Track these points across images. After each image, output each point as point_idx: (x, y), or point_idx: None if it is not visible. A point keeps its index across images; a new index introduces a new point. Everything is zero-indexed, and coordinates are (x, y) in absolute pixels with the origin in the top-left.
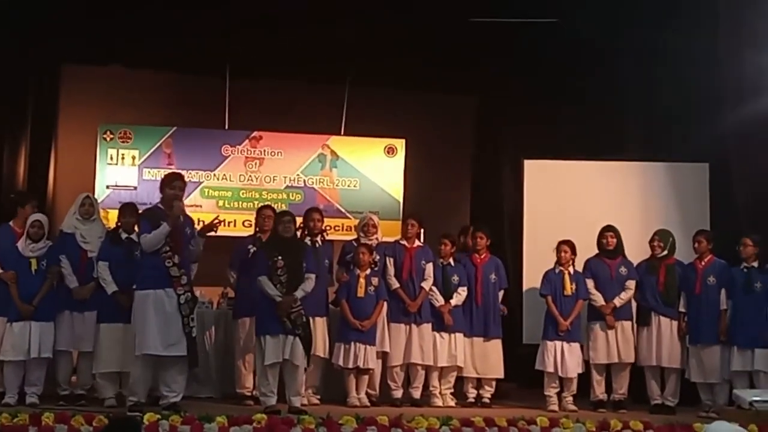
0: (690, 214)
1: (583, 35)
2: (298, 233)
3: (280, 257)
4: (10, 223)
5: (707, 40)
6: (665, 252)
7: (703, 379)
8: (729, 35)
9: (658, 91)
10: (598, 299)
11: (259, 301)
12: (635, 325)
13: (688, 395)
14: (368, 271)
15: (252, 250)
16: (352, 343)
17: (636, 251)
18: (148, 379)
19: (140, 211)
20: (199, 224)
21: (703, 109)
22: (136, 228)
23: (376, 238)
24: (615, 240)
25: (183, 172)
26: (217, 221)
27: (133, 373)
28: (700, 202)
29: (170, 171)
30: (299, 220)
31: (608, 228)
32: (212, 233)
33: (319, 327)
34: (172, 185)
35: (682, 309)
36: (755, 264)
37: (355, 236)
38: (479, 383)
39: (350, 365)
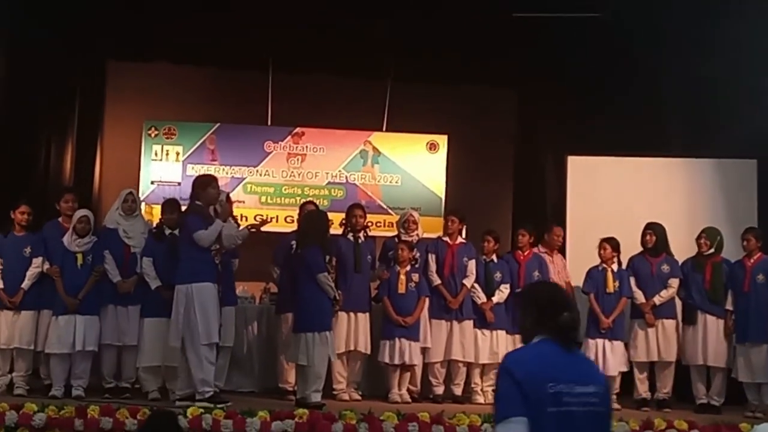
0: (737, 212)
1: (626, 29)
2: (340, 230)
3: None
4: (59, 219)
5: (754, 34)
6: (712, 250)
7: (750, 379)
8: None
9: (703, 86)
10: (639, 297)
11: (315, 298)
12: (680, 324)
13: (734, 395)
14: (408, 268)
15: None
16: (397, 339)
17: (682, 249)
18: (214, 369)
19: (183, 210)
20: (242, 220)
21: (751, 104)
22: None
23: (417, 235)
24: (654, 238)
25: (226, 168)
26: (268, 219)
27: (199, 365)
28: (747, 199)
29: (204, 173)
30: (340, 216)
31: (649, 226)
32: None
33: (362, 323)
34: (213, 185)
35: (729, 307)
36: None
37: (396, 233)
38: None
39: (396, 361)
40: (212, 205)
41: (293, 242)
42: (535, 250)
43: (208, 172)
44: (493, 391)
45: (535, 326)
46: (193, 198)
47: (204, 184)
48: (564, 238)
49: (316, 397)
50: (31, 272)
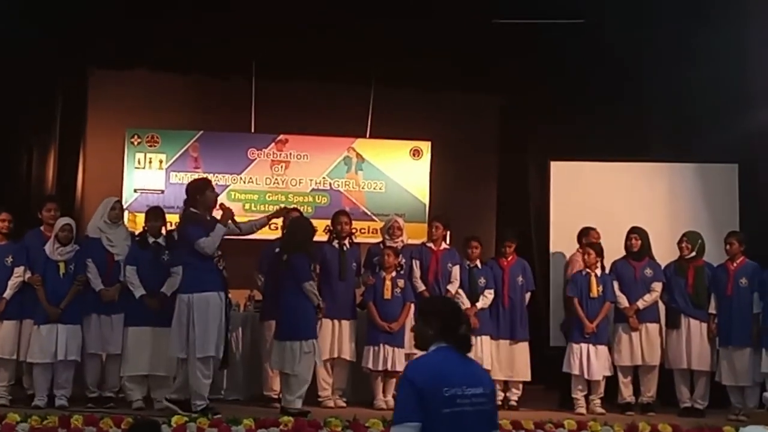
0: (719, 216)
1: (609, 35)
2: (326, 236)
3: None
4: (41, 227)
5: (736, 40)
6: (693, 253)
7: (733, 382)
8: (758, 34)
9: (686, 92)
10: (623, 301)
11: (300, 306)
12: (664, 328)
13: (718, 398)
14: (394, 274)
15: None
16: (382, 346)
17: (664, 253)
18: (209, 382)
19: (182, 218)
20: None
21: (732, 109)
22: (162, 231)
23: (402, 241)
24: (639, 242)
25: (209, 176)
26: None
27: (193, 376)
28: (729, 203)
29: (198, 177)
30: (324, 223)
31: (633, 230)
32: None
33: (346, 330)
34: (211, 188)
35: (712, 311)
36: None
37: (380, 239)
38: (506, 386)
39: (380, 368)
40: (211, 209)
41: (277, 249)
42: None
43: (201, 176)
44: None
45: (437, 335)
46: (188, 204)
47: (201, 189)
48: (547, 243)
49: (299, 404)
50: (13, 281)
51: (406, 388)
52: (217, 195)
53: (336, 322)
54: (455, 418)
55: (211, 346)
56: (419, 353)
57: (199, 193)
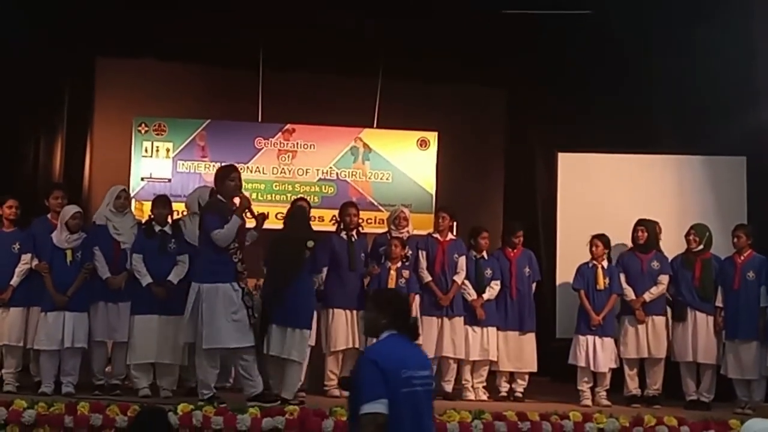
0: (727, 209)
1: (617, 27)
2: (333, 227)
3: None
4: (48, 215)
5: (744, 33)
6: (701, 246)
7: (739, 375)
8: (766, 27)
9: (694, 84)
10: (629, 293)
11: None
12: (670, 321)
13: (724, 391)
14: (399, 264)
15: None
16: None
17: (672, 246)
18: (216, 372)
19: (205, 205)
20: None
21: (740, 102)
22: (169, 219)
23: (407, 231)
24: (646, 234)
25: (216, 165)
26: (261, 218)
27: (200, 366)
28: (737, 196)
29: (225, 164)
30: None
31: (640, 222)
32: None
33: (356, 320)
34: (232, 177)
35: (719, 304)
36: None
37: (386, 229)
38: (512, 377)
39: None
40: (234, 198)
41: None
42: None
43: (229, 163)
44: (484, 387)
45: (389, 323)
46: (214, 192)
47: (222, 177)
48: (554, 235)
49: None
50: (20, 269)
51: (372, 369)
52: (238, 185)
53: (348, 312)
54: (410, 397)
55: (216, 338)
56: (424, 344)
57: (220, 181)
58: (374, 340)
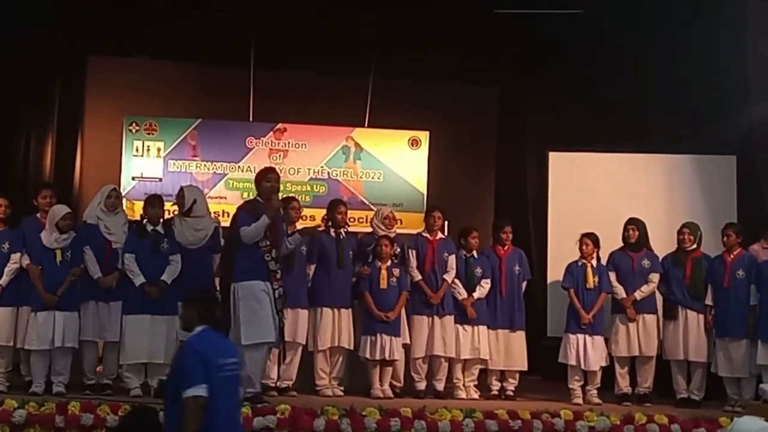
0: (717, 207)
1: (608, 25)
2: (322, 225)
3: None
4: (38, 214)
5: (735, 31)
6: (695, 245)
7: (730, 374)
8: (756, 26)
9: (685, 83)
10: (620, 292)
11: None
12: (661, 319)
13: (714, 389)
14: (389, 263)
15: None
16: (379, 335)
17: (662, 244)
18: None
19: (240, 204)
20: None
21: (731, 101)
22: (161, 219)
23: (394, 231)
24: (637, 233)
25: (208, 164)
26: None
27: (253, 364)
28: (727, 194)
29: (266, 165)
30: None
31: (631, 221)
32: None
33: (345, 318)
34: (268, 178)
35: (708, 302)
36: None
37: (371, 229)
38: (503, 375)
39: (377, 357)
40: (268, 199)
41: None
42: None
43: (270, 165)
44: (475, 386)
45: (200, 319)
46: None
47: (260, 178)
48: (545, 233)
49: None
50: (9, 268)
51: (195, 358)
52: (274, 186)
53: (335, 310)
54: (224, 381)
55: (251, 334)
56: (415, 343)
57: (258, 182)
58: (188, 334)
